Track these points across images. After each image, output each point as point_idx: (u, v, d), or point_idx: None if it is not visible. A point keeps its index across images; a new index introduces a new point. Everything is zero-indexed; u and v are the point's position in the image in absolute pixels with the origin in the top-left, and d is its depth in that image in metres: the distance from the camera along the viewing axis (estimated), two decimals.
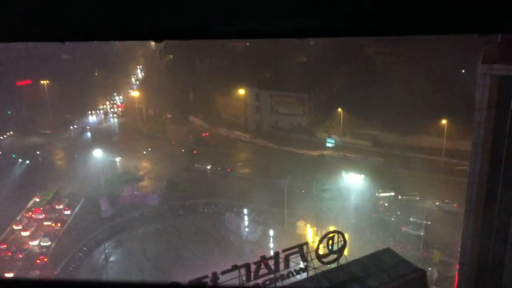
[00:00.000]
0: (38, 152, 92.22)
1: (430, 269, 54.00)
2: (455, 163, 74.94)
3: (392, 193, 69.77)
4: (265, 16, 1.80)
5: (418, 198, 68.88)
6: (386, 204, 68.10)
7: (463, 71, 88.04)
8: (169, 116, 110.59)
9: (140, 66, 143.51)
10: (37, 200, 74.79)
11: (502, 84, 32.73)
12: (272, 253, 36.51)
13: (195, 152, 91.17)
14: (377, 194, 69.47)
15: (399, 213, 66.00)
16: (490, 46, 36.24)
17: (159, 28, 1.91)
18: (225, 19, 1.84)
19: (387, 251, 35.03)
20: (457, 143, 77.13)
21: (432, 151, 79.72)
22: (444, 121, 79.60)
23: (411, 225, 63.23)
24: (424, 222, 62.60)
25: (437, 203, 68.06)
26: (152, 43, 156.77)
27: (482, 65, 33.37)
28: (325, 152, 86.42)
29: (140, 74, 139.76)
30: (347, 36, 1.88)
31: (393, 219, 65.37)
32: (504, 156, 33.50)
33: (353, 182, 67.10)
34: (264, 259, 32.67)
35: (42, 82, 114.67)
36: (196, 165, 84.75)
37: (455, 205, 65.40)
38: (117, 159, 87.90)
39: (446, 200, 67.85)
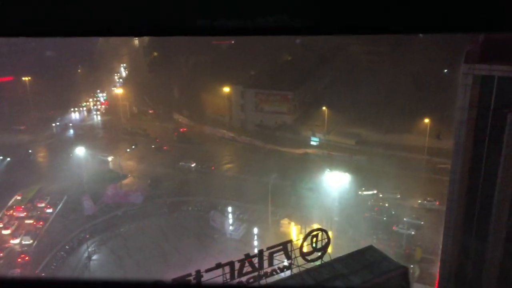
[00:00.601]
0: (30, 151, 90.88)
1: (412, 266, 54.69)
2: (437, 161, 75.91)
3: (375, 191, 70.43)
4: (249, 11, 1.78)
5: (398, 196, 69.60)
6: (387, 204, 68.01)
7: (445, 71, 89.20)
8: (151, 111, 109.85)
9: (124, 64, 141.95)
10: (19, 198, 73.72)
11: (483, 83, 33.23)
12: (256, 251, 36.51)
13: (165, 148, 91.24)
14: (360, 192, 70.00)
15: (393, 212, 66.31)
16: (472, 46, 36.75)
17: (137, 23, 1.88)
18: (207, 14, 1.82)
19: (370, 248, 35.35)
20: (440, 142, 78.13)
21: (415, 149, 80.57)
22: (427, 120, 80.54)
23: (401, 224, 63.68)
24: (419, 222, 63.39)
25: (419, 201, 68.88)
26: (136, 40, 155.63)
27: (464, 65, 33.86)
28: (310, 150, 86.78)
29: (124, 72, 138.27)
30: (330, 34, 1.88)
31: (384, 218, 65.63)
32: (485, 155, 34.03)
33: (337, 180, 67.49)
34: (248, 257, 32.71)
35: (24, 78, 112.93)
36: (180, 163, 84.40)
37: (437, 203, 66.29)
38: (109, 158, 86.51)
39: (428, 198, 68.72)
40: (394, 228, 63.52)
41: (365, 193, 70.10)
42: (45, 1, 1.90)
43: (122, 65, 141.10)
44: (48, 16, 1.92)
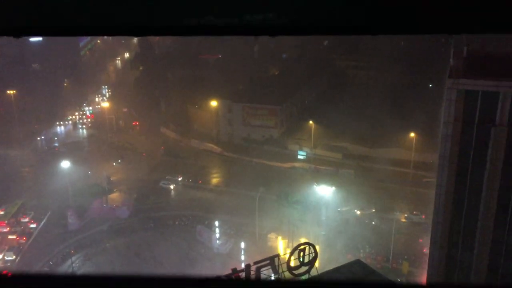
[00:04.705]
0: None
1: (399, 280, 54.66)
2: (423, 175, 76.50)
3: (348, 208, 69.79)
4: (236, 9, 1.75)
5: (373, 211, 69.68)
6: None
7: (430, 85, 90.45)
8: (134, 123, 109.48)
9: (105, 86, 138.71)
10: (1, 213, 72.41)
11: (467, 98, 33.70)
12: (243, 265, 36.23)
13: (144, 154, 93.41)
14: (339, 210, 69.12)
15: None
16: (456, 61, 37.34)
17: (122, 23, 1.84)
18: (194, 13, 1.78)
19: (357, 262, 35.30)
20: (425, 155, 78.86)
21: (401, 163, 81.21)
22: (412, 134, 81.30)
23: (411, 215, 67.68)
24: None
25: (405, 215, 69.20)
26: (126, 54, 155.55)
27: (448, 80, 34.36)
28: (297, 164, 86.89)
29: (107, 94, 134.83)
30: (316, 34, 1.85)
31: None
32: (470, 168, 34.38)
33: (324, 194, 67.53)
34: (235, 271, 32.43)
35: (8, 91, 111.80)
36: (167, 177, 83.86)
37: (423, 216, 66.65)
38: (171, 186, 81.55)
39: (414, 212, 69.08)
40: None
41: (344, 209, 69.46)
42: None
43: (103, 87, 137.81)
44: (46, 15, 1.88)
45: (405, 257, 60.65)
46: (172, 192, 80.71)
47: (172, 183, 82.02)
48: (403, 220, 68.45)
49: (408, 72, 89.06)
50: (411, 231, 66.15)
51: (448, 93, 34.17)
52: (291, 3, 1.72)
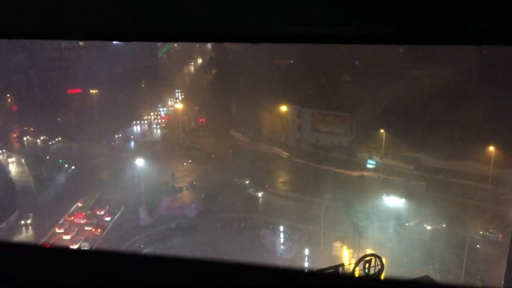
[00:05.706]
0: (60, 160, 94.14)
1: None
2: (502, 191, 72.11)
3: (418, 221, 66.88)
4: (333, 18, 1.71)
5: (444, 226, 66.32)
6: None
7: None
8: (201, 120, 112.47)
9: (179, 90, 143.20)
10: (80, 205, 76.98)
11: None
12: None
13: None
14: (406, 224, 66.54)
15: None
16: None
17: (174, 28, 1.81)
18: (300, 20, 1.74)
19: (426, 278, 33.93)
20: (505, 171, 74.25)
21: (477, 178, 76.97)
22: (491, 148, 76.88)
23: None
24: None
25: (480, 233, 65.55)
26: (200, 59, 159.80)
27: None
28: (365, 173, 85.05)
29: (180, 96, 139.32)
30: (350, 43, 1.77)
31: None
32: None
33: (393, 205, 65.55)
34: None
35: (91, 91, 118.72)
36: (234, 179, 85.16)
37: (500, 235, 62.80)
38: (246, 182, 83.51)
39: (491, 230, 65.22)
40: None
41: (412, 223, 66.71)
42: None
43: (176, 91, 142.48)
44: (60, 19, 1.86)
45: (478, 277, 57.47)
46: (260, 200, 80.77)
47: (260, 191, 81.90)
48: (478, 238, 64.88)
49: (488, 83, 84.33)
50: (486, 250, 62.55)
51: None
52: (393, 12, 1.63)
